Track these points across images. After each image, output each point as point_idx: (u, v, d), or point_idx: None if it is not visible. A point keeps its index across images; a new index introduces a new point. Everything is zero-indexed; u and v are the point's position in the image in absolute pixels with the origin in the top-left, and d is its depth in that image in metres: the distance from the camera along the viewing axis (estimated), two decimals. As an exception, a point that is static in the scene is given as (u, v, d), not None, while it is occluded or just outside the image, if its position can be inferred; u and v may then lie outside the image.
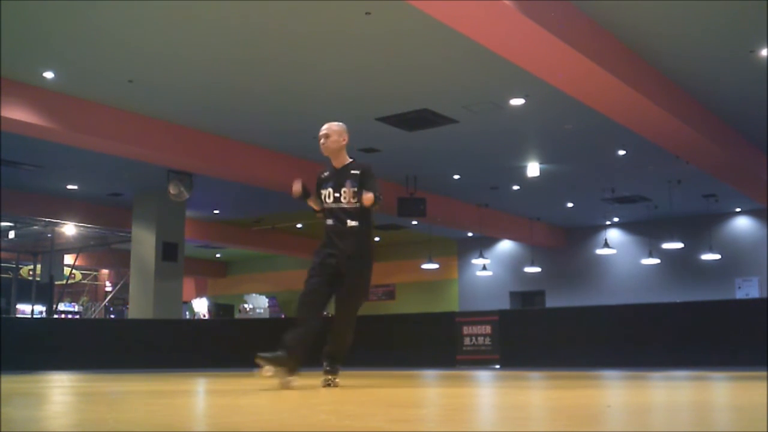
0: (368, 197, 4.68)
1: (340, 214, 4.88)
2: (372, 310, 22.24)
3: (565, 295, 18.39)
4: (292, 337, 4.63)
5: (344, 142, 5.02)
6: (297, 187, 5.01)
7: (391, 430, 2.29)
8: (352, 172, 4.92)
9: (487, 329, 10.78)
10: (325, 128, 5.04)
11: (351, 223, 4.84)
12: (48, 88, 9.21)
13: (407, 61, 8.49)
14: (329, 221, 4.92)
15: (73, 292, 21.61)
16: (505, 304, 19.19)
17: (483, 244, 19.78)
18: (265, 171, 12.14)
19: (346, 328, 4.90)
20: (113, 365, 10.59)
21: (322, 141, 5.02)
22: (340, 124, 5.07)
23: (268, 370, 4.52)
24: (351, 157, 5.09)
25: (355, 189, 4.85)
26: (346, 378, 6.66)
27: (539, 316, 11.90)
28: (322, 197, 4.96)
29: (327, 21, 7.45)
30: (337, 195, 4.89)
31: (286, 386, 4.51)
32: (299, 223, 18.86)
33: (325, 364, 4.89)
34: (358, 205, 4.83)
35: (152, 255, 13.79)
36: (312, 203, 5.07)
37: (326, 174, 5.03)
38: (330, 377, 4.82)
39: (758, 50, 8.21)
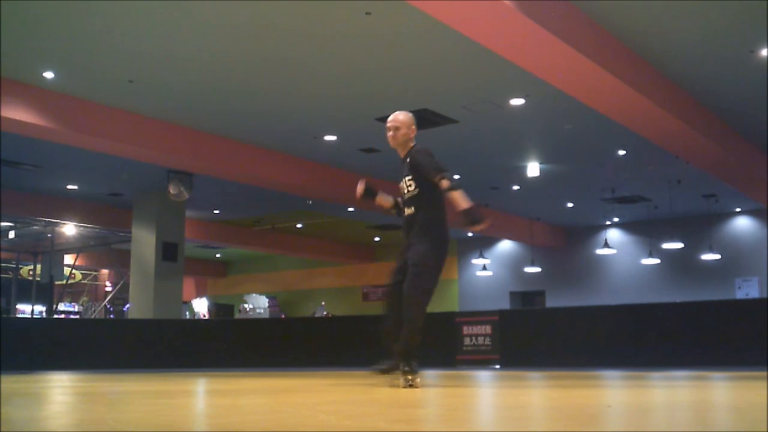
0: (444, 185, 4.48)
1: (406, 204, 4.80)
2: (372, 310, 22.24)
3: (565, 295, 18.39)
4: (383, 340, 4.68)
5: (412, 135, 4.85)
6: (360, 187, 4.94)
7: (391, 430, 2.29)
8: (408, 161, 4.78)
9: (487, 329, 10.78)
10: (391, 120, 4.86)
11: (408, 211, 4.76)
12: (48, 88, 9.21)
13: (407, 61, 8.49)
14: (405, 213, 4.82)
15: (73, 292, 21.62)
16: (505, 304, 19.19)
17: (483, 244, 19.79)
18: (265, 171, 12.14)
19: (407, 322, 4.58)
20: (113, 365, 10.59)
21: (390, 134, 4.85)
22: (407, 114, 4.90)
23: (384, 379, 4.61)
24: (414, 143, 4.89)
25: (410, 177, 4.72)
26: (346, 378, 6.66)
27: (539, 316, 11.90)
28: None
29: (327, 21, 7.45)
30: (402, 186, 4.80)
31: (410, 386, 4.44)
32: (299, 223, 18.86)
33: (401, 364, 4.58)
34: (417, 192, 4.70)
35: (152, 255, 13.79)
36: (381, 202, 4.99)
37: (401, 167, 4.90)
38: (408, 377, 4.49)
39: (758, 50, 8.20)
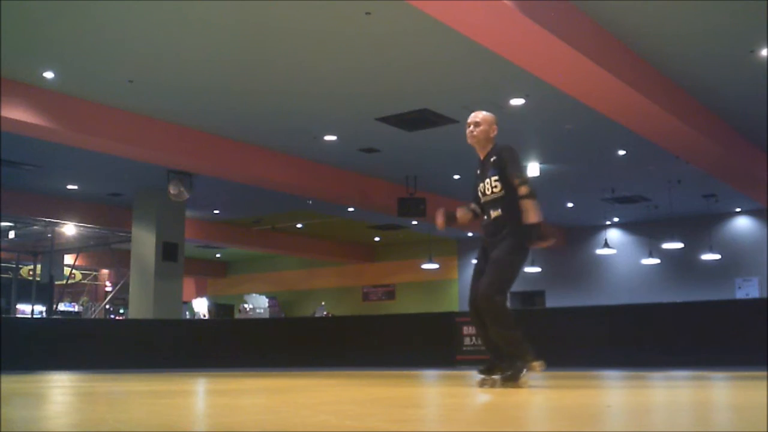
0: (522, 191, 4.40)
1: (486, 207, 4.67)
2: (372, 310, 22.26)
3: (565, 295, 18.39)
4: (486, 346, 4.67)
5: (493, 134, 4.74)
6: (440, 220, 4.84)
7: (391, 430, 2.29)
8: (492, 159, 4.65)
9: (487, 329, 10.76)
10: (473, 116, 4.77)
11: (494, 213, 4.61)
12: (48, 88, 9.21)
13: (407, 61, 8.49)
14: (484, 218, 4.70)
15: (73, 292, 21.62)
16: (505, 304, 19.14)
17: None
18: (265, 171, 12.14)
19: (490, 321, 4.52)
20: (113, 365, 10.59)
21: (470, 128, 4.74)
22: (490, 114, 4.81)
23: (491, 382, 4.53)
24: (495, 144, 4.78)
25: (496, 177, 4.58)
26: (345, 378, 6.66)
27: (539, 316, 11.90)
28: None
29: (327, 21, 7.45)
30: (483, 188, 4.67)
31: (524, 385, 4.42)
32: (299, 223, 18.86)
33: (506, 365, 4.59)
34: (502, 193, 4.56)
35: (152, 255, 13.79)
36: (463, 220, 4.83)
37: (478, 169, 4.78)
38: (506, 379, 4.48)
39: (758, 50, 8.20)
